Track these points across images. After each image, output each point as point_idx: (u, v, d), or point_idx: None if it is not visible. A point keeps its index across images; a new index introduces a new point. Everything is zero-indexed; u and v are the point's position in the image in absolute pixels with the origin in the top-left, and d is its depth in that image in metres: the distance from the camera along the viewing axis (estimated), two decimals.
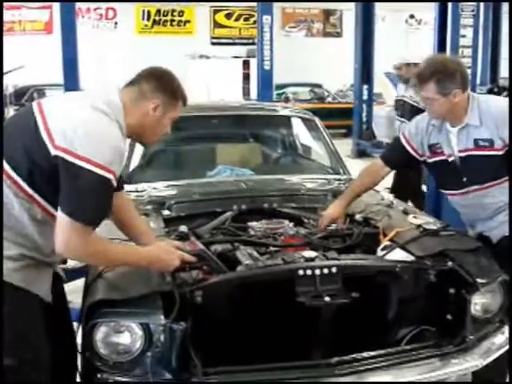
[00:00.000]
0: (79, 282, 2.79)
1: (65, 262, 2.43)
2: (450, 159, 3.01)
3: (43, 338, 2.22)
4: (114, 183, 2.11)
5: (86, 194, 2.05)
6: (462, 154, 2.97)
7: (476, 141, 2.91)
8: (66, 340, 2.49)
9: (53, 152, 2.04)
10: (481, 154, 2.91)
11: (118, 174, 2.13)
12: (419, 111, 5.55)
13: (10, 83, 14.03)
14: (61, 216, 2.06)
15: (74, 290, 3.11)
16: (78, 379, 2.44)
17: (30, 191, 2.11)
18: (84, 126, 2.07)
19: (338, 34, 20.85)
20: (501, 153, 2.88)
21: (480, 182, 2.97)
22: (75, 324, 2.40)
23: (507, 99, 2.98)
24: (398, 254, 2.73)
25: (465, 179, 3.00)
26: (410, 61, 5.61)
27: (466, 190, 3.02)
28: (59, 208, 2.07)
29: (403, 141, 3.16)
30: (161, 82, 2.30)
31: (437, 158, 3.08)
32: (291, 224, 3.07)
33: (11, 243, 2.12)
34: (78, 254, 2.19)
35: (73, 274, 4.19)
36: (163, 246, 2.42)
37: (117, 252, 2.29)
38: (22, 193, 2.11)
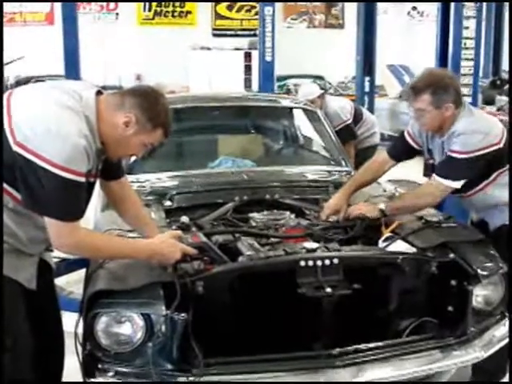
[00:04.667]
0: (82, 272, 2.78)
1: (50, 250, 2.42)
2: None
3: (23, 325, 2.22)
4: (81, 180, 2.06)
5: (48, 193, 2.03)
6: None
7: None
8: (51, 328, 2.50)
9: (14, 148, 2.02)
10: None
11: (83, 170, 2.07)
12: None
13: (12, 74, 14.00)
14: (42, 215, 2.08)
15: (77, 280, 3.11)
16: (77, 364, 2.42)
17: None
18: (43, 123, 2.03)
19: (340, 26, 20.74)
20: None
21: (471, 187, 3.00)
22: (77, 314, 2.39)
23: (476, 124, 2.94)
24: (400, 246, 2.72)
25: None
26: (315, 94, 5.68)
27: (460, 194, 3.06)
28: (27, 207, 2.08)
29: (408, 137, 3.22)
30: (144, 102, 2.18)
31: (432, 162, 3.16)
32: (293, 215, 3.07)
33: None
34: (70, 248, 2.22)
35: (75, 265, 4.21)
36: (165, 239, 2.39)
37: (113, 245, 2.30)
38: None
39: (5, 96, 2.17)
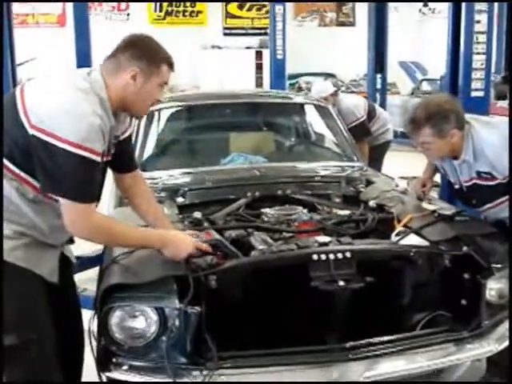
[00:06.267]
0: (96, 270, 2.80)
1: (71, 241, 2.44)
2: (456, 186, 3.06)
3: (46, 318, 2.24)
4: (96, 159, 2.09)
5: (65, 173, 2.05)
6: (468, 184, 2.99)
7: (478, 172, 2.92)
8: (71, 322, 2.51)
9: (30, 131, 2.06)
10: (485, 184, 2.93)
11: (99, 150, 2.10)
12: None
13: (24, 76, 14.10)
14: (58, 198, 2.10)
15: (91, 278, 3.13)
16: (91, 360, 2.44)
17: (16, 170, 2.13)
18: (58, 105, 2.07)
19: (351, 24, 20.70)
20: (504, 181, 2.87)
21: (490, 202, 2.99)
22: (91, 312, 2.41)
23: (501, 132, 2.87)
24: (413, 239, 2.72)
25: (474, 201, 3.05)
26: (328, 91, 5.63)
27: (478, 209, 3.08)
28: (44, 189, 2.11)
29: None
30: (136, 49, 2.23)
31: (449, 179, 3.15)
32: (305, 210, 3.07)
33: (7, 222, 2.14)
34: (84, 232, 2.20)
35: (89, 262, 4.24)
36: (179, 232, 2.43)
37: (127, 232, 2.30)
38: (8, 172, 2.13)
39: (18, 89, 2.20)
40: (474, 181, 2.96)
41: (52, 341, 2.25)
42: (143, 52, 2.23)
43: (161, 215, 2.62)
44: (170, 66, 2.30)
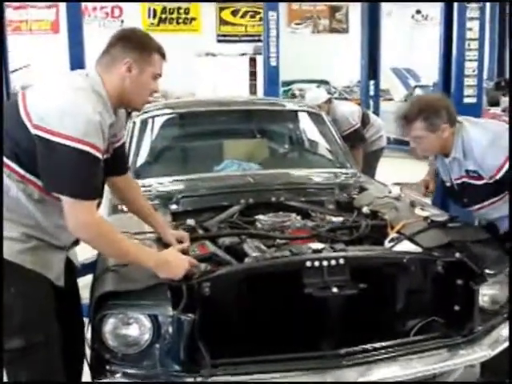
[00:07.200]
0: (90, 278, 2.79)
1: (77, 243, 2.42)
2: (448, 184, 3.10)
3: (53, 320, 2.24)
4: (97, 155, 2.10)
5: (67, 169, 2.07)
6: (458, 181, 3.03)
7: (467, 171, 2.96)
8: (74, 326, 2.50)
9: (32, 131, 2.08)
10: (474, 183, 2.96)
11: (100, 146, 2.12)
12: None
13: (18, 83, 14.07)
14: (60, 196, 2.11)
15: (86, 285, 3.12)
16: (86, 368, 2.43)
17: (22, 171, 2.14)
18: (58, 104, 2.09)
19: (345, 30, 20.81)
20: (490, 181, 2.90)
21: (481, 202, 3.02)
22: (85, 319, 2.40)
23: (491, 132, 2.93)
24: (406, 246, 2.73)
25: (465, 200, 3.07)
26: (322, 99, 5.67)
27: (469, 208, 3.10)
28: (47, 188, 2.12)
29: None
30: (127, 41, 2.26)
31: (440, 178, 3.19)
32: (298, 217, 3.08)
33: (14, 224, 2.15)
34: (85, 231, 2.17)
35: (83, 271, 4.22)
36: (171, 251, 2.44)
37: (124, 243, 2.28)
38: (14, 174, 2.14)
39: (19, 95, 2.22)
40: (463, 179, 2.99)
41: (58, 343, 2.26)
42: (135, 43, 2.26)
43: (152, 210, 2.74)
44: (162, 55, 2.34)
